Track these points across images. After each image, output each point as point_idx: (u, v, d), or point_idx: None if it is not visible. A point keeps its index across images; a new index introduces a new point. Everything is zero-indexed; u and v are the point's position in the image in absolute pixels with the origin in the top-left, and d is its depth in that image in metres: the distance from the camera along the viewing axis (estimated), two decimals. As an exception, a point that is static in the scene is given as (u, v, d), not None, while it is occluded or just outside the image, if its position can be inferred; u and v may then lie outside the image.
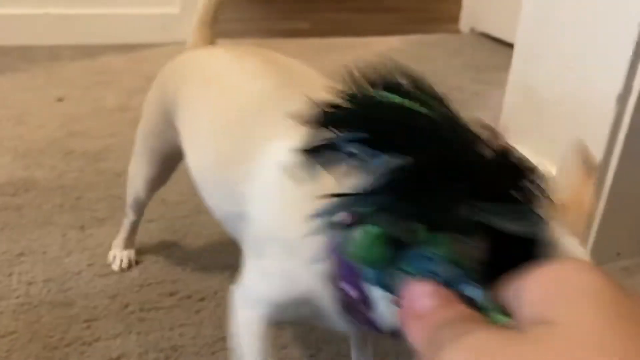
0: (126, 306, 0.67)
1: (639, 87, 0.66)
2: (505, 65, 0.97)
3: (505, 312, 0.17)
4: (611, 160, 0.71)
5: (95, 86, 1.30)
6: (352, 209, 0.21)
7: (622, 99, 0.66)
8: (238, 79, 0.52)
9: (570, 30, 0.74)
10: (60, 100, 1.21)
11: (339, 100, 0.23)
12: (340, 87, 0.24)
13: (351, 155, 0.21)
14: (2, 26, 1.56)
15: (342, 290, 0.33)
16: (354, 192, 0.21)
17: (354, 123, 0.22)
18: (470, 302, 0.18)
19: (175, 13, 1.66)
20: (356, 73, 0.24)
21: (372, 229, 0.20)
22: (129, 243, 0.75)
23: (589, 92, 0.71)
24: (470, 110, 1.00)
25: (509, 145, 0.22)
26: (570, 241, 0.24)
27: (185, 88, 0.57)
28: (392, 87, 0.23)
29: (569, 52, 0.75)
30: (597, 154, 0.70)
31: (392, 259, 0.20)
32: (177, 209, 0.87)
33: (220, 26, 2.06)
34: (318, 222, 0.21)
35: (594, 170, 0.33)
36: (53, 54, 1.51)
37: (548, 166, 0.54)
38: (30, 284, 0.70)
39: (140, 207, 0.72)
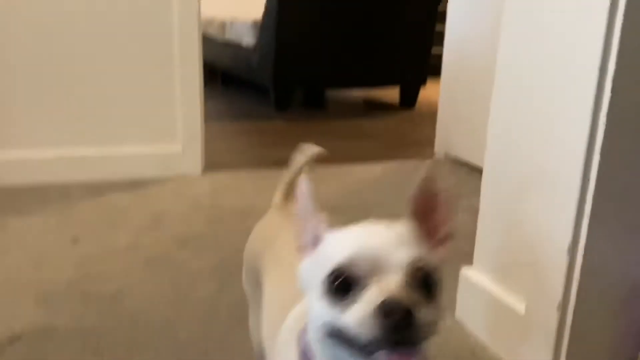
0: None
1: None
2: (478, 191, 1.10)
3: None
4: (572, 287, 0.82)
5: (106, 225, 1.41)
6: None
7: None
8: None
9: (528, 158, 0.88)
10: (74, 241, 1.31)
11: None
12: None
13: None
14: (15, 168, 1.70)
15: None
16: None
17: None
18: None
19: (178, 151, 1.83)
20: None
21: None
22: None
23: (546, 218, 0.84)
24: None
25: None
26: None
27: (267, 253, 0.64)
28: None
29: (528, 179, 0.88)
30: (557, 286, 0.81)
31: None
32: None
33: (213, 158, 2.26)
34: None
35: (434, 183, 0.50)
36: (64, 193, 1.63)
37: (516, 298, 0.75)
38: None
39: (263, 356, 0.61)
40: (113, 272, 1.17)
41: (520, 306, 0.90)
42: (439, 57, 2.28)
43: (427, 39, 3.35)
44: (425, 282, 0.42)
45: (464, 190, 1.80)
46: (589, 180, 0.78)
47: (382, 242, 0.43)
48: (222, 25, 3.73)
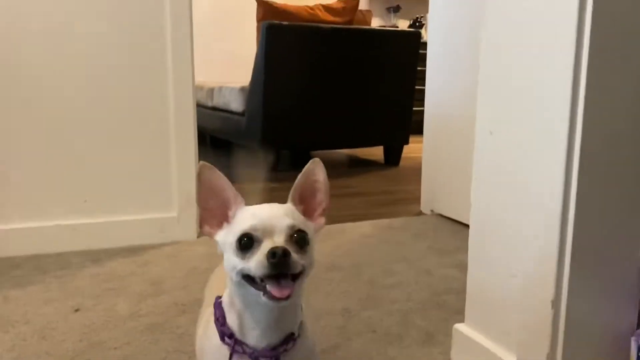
0: None
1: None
2: (465, 247, 1.16)
3: None
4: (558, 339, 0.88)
5: (106, 293, 1.44)
6: None
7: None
8: None
9: (510, 216, 0.95)
10: (76, 310, 1.34)
11: None
12: None
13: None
14: (14, 238, 1.73)
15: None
16: None
17: None
18: None
19: (174, 216, 1.88)
20: None
21: None
22: None
23: (530, 273, 0.90)
24: (439, 294, 1.22)
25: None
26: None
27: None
28: None
29: (511, 236, 0.95)
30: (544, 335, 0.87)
31: None
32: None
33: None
34: None
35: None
36: (63, 262, 1.66)
37: (507, 352, 0.83)
38: None
39: None
40: (116, 341, 1.20)
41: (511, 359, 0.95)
42: (422, 113, 2.40)
43: (408, 101, 3.51)
44: (299, 240, 0.64)
45: (451, 246, 1.87)
46: (566, 236, 0.86)
47: (273, 216, 0.65)
48: (211, 91, 3.87)
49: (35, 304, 1.38)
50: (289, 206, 0.69)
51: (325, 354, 1.15)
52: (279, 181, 2.96)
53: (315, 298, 1.43)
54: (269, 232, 0.63)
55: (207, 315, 0.73)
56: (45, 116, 1.74)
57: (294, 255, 0.61)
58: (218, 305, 0.70)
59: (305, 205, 0.70)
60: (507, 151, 0.96)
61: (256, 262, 0.61)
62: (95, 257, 1.72)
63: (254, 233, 0.63)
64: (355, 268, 1.65)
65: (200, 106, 3.99)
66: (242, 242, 0.63)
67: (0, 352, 1.14)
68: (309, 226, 0.67)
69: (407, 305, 1.40)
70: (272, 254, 0.60)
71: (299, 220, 0.66)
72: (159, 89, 1.83)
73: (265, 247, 0.62)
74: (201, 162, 0.71)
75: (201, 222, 0.70)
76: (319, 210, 0.71)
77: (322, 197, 0.71)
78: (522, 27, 0.91)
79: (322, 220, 0.71)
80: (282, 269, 0.60)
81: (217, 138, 4.23)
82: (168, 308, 1.36)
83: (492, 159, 1.00)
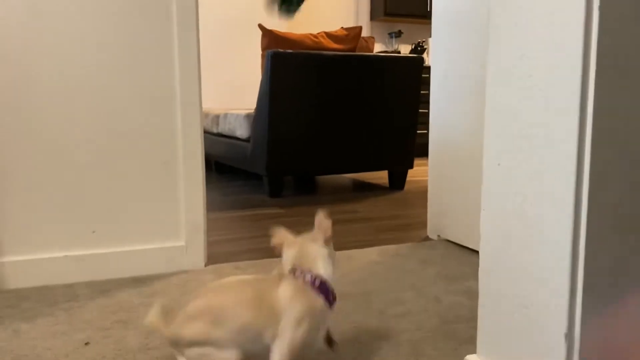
0: None
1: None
2: (473, 273, 1.16)
3: None
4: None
5: (115, 326, 1.44)
6: None
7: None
8: None
9: (521, 243, 0.96)
10: (86, 344, 1.33)
11: None
12: None
13: None
14: (21, 270, 1.74)
15: None
16: None
17: None
18: None
19: (182, 245, 1.89)
20: None
21: None
22: None
23: (543, 305, 0.90)
24: (448, 323, 1.22)
25: None
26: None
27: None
28: None
29: (522, 266, 0.95)
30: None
31: None
32: None
33: (214, 249, 2.33)
34: None
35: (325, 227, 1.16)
36: (71, 294, 1.67)
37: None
38: None
39: None
40: (127, 375, 1.19)
41: (526, 392, 0.94)
42: (426, 136, 2.41)
43: (411, 125, 3.53)
44: None
45: (459, 273, 1.86)
46: (577, 267, 0.86)
47: (305, 243, 1.17)
48: (217, 118, 3.91)
49: (45, 337, 1.38)
50: (314, 235, 1.20)
51: (337, 386, 1.14)
52: (283, 207, 2.97)
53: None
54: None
55: (298, 288, 1.08)
56: (53, 147, 1.76)
57: None
58: (318, 280, 1.09)
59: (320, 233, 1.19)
60: (515, 183, 0.97)
61: None
62: (104, 287, 1.72)
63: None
64: (364, 296, 1.65)
65: (206, 132, 4.03)
66: None
67: (10, 388, 1.14)
68: (324, 244, 1.18)
69: (417, 334, 1.39)
70: None
71: (320, 243, 1.18)
72: (167, 118, 1.86)
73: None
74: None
75: None
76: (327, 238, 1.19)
77: (328, 230, 1.17)
78: (528, 55, 0.93)
79: (329, 241, 1.17)
80: None
81: (222, 164, 4.26)
82: (177, 340, 1.35)
83: (500, 190, 1.01)
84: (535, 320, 0.92)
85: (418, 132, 3.65)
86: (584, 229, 0.84)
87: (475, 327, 1.10)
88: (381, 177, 4.10)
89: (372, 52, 4.07)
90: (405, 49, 6.35)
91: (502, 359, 1.02)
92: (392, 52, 6.01)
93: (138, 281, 1.78)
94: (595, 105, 0.82)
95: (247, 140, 3.40)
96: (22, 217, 1.75)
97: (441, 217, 2.30)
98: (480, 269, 1.07)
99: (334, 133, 3.31)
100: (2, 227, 1.73)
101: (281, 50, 3.12)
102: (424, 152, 2.55)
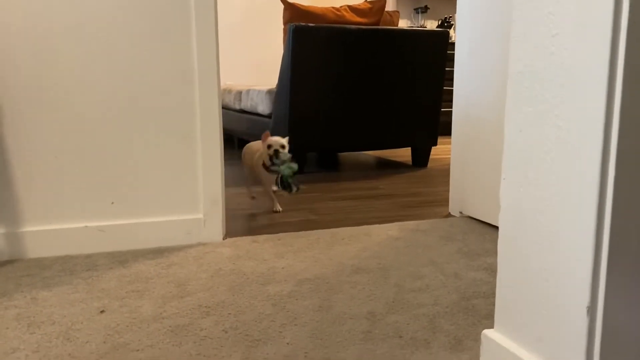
0: None
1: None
2: (494, 250, 1.12)
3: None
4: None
5: (131, 295, 1.45)
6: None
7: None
8: None
9: (543, 217, 0.91)
10: (102, 312, 1.34)
11: None
12: None
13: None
14: (42, 240, 1.76)
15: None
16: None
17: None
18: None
19: (200, 218, 1.88)
20: None
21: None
22: None
23: (564, 278, 0.86)
24: (468, 299, 1.18)
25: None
26: None
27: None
28: None
29: (544, 239, 0.91)
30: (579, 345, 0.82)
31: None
32: None
33: (232, 223, 2.34)
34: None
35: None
36: (90, 264, 1.68)
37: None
38: None
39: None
40: (140, 342, 1.19)
41: (544, 367, 0.91)
42: (450, 114, 2.35)
43: (436, 102, 3.45)
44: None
45: (480, 249, 1.82)
46: (602, 237, 0.81)
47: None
48: (239, 94, 3.89)
49: (62, 305, 1.39)
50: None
51: (351, 359, 1.12)
52: (305, 183, 2.95)
53: (340, 302, 1.40)
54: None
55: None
56: (73, 119, 1.76)
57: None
58: None
59: None
60: (537, 149, 0.92)
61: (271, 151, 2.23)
62: (122, 258, 1.73)
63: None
64: (381, 271, 1.62)
65: (228, 109, 4.01)
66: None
67: (26, 353, 1.15)
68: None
69: (434, 309, 1.36)
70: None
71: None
72: (186, 92, 1.84)
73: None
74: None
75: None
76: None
77: None
78: (554, 20, 0.87)
79: None
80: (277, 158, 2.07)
81: (245, 140, 4.25)
82: (192, 310, 1.35)
83: (522, 157, 0.96)
84: (556, 293, 0.88)
85: (442, 109, 3.56)
86: (610, 195, 0.79)
87: (495, 304, 1.06)
88: (404, 155, 4.04)
89: (396, 26, 3.97)
90: (431, 25, 6.20)
91: (520, 333, 0.99)
92: (418, 27, 5.87)
93: (156, 252, 1.78)
94: (625, 62, 0.76)
95: (268, 116, 3.37)
96: (43, 188, 1.76)
97: (463, 194, 2.24)
98: (499, 241, 1.03)
99: (357, 109, 3.25)
100: (23, 198, 1.75)
101: (303, 24, 3.06)
102: (448, 130, 2.48)
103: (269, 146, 2.22)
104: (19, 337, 1.22)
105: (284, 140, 2.25)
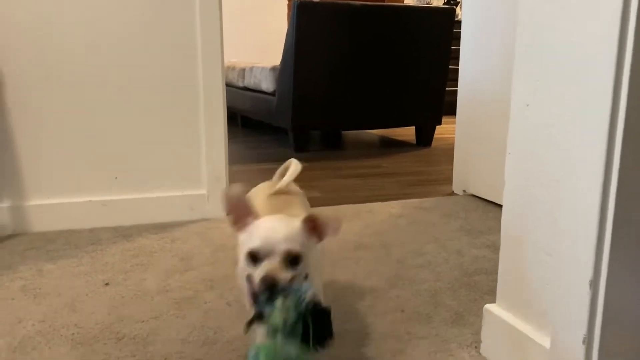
0: None
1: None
2: (497, 228, 1.11)
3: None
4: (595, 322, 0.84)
5: (135, 269, 1.46)
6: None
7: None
8: None
9: (547, 191, 0.91)
10: (106, 284, 1.35)
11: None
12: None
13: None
14: (47, 214, 1.77)
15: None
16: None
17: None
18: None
19: (203, 194, 1.89)
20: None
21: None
22: None
23: (567, 252, 0.86)
24: (470, 275, 1.18)
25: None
26: None
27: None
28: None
29: (547, 214, 0.91)
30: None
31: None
32: None
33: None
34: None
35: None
36: (94, 238, 1.69)
37: (541, 333, 0.80)
38: None
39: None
40: (144, 314, 1.21)
41: (545, 341, 0.91)
42: (454, 94, 2.33)
43: (441, 81, 3.43)
44: (292, 260, 0.78)
45: (483, 227, 1.82)
46: (607, 212, 0.81)
47: (274, 240, 0.78)
48: (242, 72, 3.86)
49: (67, 277, 1.40)
50: (292, 227, 0.81)
51: (352, 332, 1.13)
52: (309, 161, 2.95)
53: (342, 276, 1.41)
54: (269, 253, 0.78)
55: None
56: (77, 94, 1.76)
57: (284, 274, 0.77)
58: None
59: (309, 226, 0.83)
60: (544, 124, 0.91)
61: (256, 277, 0.77)
62: (126, 232, 1.74)
63: (258, 253, 0.78)
64: (383, 248, 1.62)
65: (231, 86, 3.99)
66: (250, 256, 0.79)
67: (32, 323, 1.16)
68: (307, 244, 0.82)
69: (436, 285, 1.36)
70: (264, 279, 0.76)
71: (296, 243, 0.80)
72: (189, 68, 1.83)
73: (263, 269, 0.77)
74: (230, 187, 0.88)
75: (231, 221, 0.85)
76: (322, 236, 0.84)
77: (323, 224, 0.83)
78: (563, -9, 0.85)
79: (320, 239, 0.84)
80: (271, 288, 0.75)
81: (248, 118, 4.23)
82: (196, 284, 1.36)
83: (527, 132, 0.95)
84: (559, 268, 0.88)
85: (447, 89, 3.53)
86: (616, 170, 0.78)
87: (496, 281, 1.06)
88: (408, 134, 4.02)
89: (402, 3, 3.92)
90: (437, 2, 6.12)
91: (522, 307, 0.99)
92: (423, 5, 5.79)
93: (159, 227, 1.79)
94: (635, 37, 0.75)
95: (272, 94, 3.35)
96: (47, 162, 1.77)
97: (467, 172, 2.24)
98: (503, 215, 1.03)
99: (361, 87, 3.23)
100: (27, 171, 1.75)
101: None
102: (452, 110, 2.46)
103: (252, 257, 0.80)
104: (25, 308, 1.23)
105: (294, 249, 0.80)
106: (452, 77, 3.54)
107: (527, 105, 0.95)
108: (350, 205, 2.09)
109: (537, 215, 0.94)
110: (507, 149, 1.00)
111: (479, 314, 1.16)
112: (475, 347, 1.08)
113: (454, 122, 2.33)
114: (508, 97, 1.00)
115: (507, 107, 1.00)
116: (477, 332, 1.11)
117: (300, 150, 3.23)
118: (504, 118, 1.02)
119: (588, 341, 0.84)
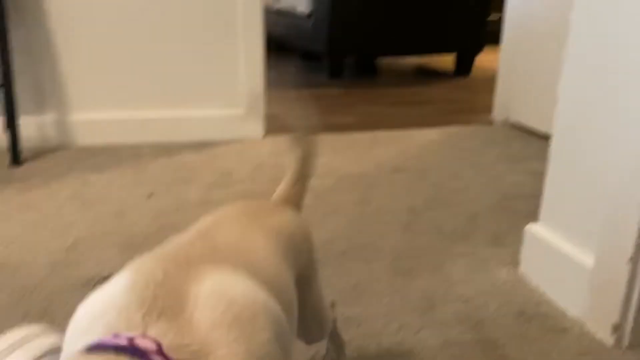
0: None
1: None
2: (538, 155, 1.09)
3: None
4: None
5: (177, 182, 1.49)
6: None
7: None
8: None
9: (600, 113, 0.88)
10: (150, 196, 1.39)
11: None
12: None
13: None
14: (90, 129, 1.80)
15: None
16: None
17: None
18: None
19: (241, 114, 1.89)
20: None
21: None
22: None
23: (618, 173, 0.84)
24: (508, 199, 1.17)
25: None
26: None
27: None
28: None
29: (599, 135, 0.89)
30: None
31: None
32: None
33: (272, 122, 2.31)
34: None
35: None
36: (136, 153, 1.73)
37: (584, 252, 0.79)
38: None
39: None
40: (187, 224, 1.23)
41: (588, 260, 0.91)
42: (495, 24, 2.23)
43: (484, 5, 3.26)
44: None
45: (524, 154, 1.79)
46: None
47: None
48: (277, -7, 3.74)
49: (112, 188, 1.45)
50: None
51: (389, 249, 1.15)
52: (343, 88, 2.90)
53: (379, 197, 1.41)
54: None
55: None
56: (119, 12, 1.74)
57: None
58: None
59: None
60: (603, 47, 0.86)
61: None
62: (166, 149, 1.77)
63: None
64: (420, 172, 1.62)
65: (264, 8, 3.89)
66: None
67: (82, 228, 1.21)
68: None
69: (473, 207, 1.36)
70: None
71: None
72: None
73: None
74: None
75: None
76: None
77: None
78: None
79: None
80: None
81: (280, 44, 4.15)
82: (237, 196, 1.39)
83: (586, 45, 0.90)
84: (610, 188, 0.86)
85: (490, 20, 3.37)
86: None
87: (537, 205, 1.05)
88: (445, 63, 3.90)
89: None
90: None
91: (567, 227, 0.98)
92: None
93: (198, 145, 1.81)
94: None
95: (308, 16, 3.26)
96: (89, 77, 1.78)
97: (509, 100, 2.17)
98: (553, 137, 1.00)
99: (399, 10, 3.10)
100: (70, 85, 1.77)
101: None
102: (494, 40, 2.36)
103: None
104: (74, 214, 1.28)
105: None
106: (495, 6, 3.37)
107: (589, 15, 0.89)
108: (387, 131, 2.07)
109: (590, 134, 0.91)
110: (563, 71, 0.95)
111: (517, 236, 1.16)
112: (514, 266, 1.09)
113: (495, 52, 2.24)
114: (557, 22, 0.94)
115: (556, 33, 0.94)
116: (516, 253, 1.11)
117: (334, 76, 3.17)
118: (553, 44, 0.97)
119: (634, 261, 0.83)
